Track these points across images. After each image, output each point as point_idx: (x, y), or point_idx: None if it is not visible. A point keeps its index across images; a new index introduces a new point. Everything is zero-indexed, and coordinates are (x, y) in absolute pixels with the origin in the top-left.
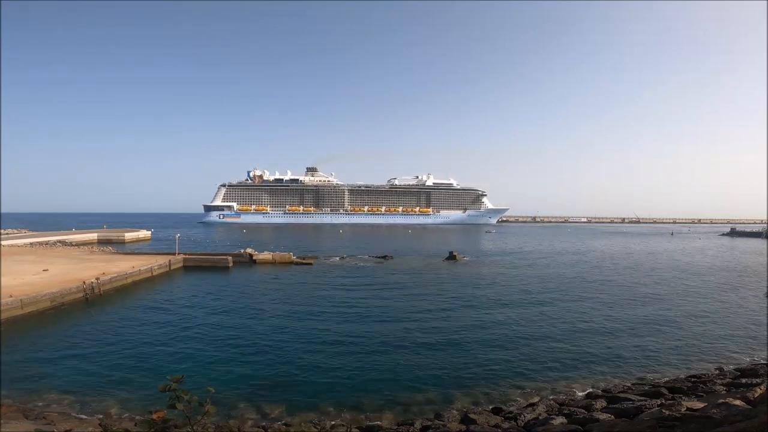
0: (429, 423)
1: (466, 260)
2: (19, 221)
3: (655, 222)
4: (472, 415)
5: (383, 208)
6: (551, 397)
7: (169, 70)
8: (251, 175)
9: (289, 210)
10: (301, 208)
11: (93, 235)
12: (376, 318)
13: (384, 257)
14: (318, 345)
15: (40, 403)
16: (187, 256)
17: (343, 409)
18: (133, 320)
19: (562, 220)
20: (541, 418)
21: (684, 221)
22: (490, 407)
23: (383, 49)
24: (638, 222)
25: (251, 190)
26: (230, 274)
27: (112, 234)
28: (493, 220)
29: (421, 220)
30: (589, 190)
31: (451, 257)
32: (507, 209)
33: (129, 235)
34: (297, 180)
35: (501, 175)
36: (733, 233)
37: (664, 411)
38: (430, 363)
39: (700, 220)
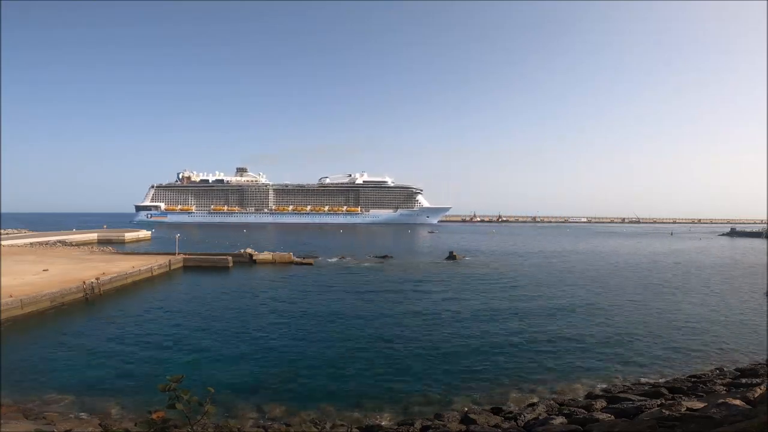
0: (429, 423)
1: (467, 260)
2: (19, 221)
3: (655, 222)
4: (472, 415)
5: (308, 207)
6: (551, 397)
7: (169, 70)
8: (180, 176)
9: (213, 210)
10: (226, 207)
11: (93, 235)
12: (378, 318)
13: (384, 257)
14: (319, 345)
15: (40, 403)
16: (187, 256)
17: (343, 409)
18: (133, 320)
19: (562, 220)
20: (541, 418)
21: (684, 221)
22: (490, 407)
23: (383, 49)
24: (638, 222)
25: (178, 190)
26: (230, 274)
27: (112, 234)
28: (434, 220)
29: (348, 219)
30: (589, 190)
31: (452, 257)
32: (449, 208)
33: (129, 235)
34: (222, 180)
35: (501, 175)
36: (733, 233)
37: (664, 411)
38: (431, 363)
39: (700, 220)
